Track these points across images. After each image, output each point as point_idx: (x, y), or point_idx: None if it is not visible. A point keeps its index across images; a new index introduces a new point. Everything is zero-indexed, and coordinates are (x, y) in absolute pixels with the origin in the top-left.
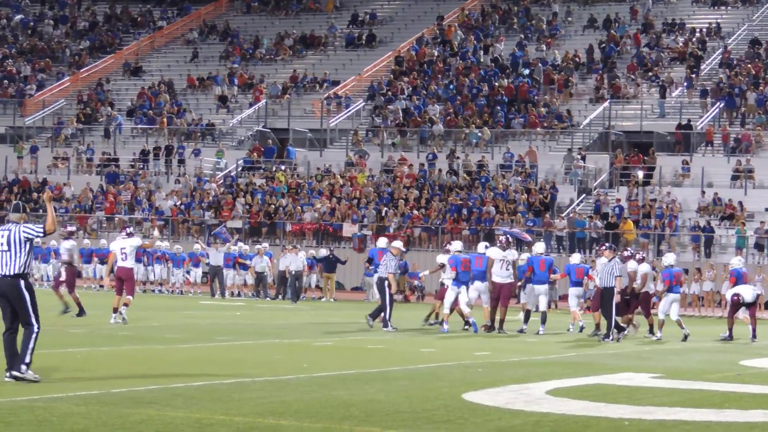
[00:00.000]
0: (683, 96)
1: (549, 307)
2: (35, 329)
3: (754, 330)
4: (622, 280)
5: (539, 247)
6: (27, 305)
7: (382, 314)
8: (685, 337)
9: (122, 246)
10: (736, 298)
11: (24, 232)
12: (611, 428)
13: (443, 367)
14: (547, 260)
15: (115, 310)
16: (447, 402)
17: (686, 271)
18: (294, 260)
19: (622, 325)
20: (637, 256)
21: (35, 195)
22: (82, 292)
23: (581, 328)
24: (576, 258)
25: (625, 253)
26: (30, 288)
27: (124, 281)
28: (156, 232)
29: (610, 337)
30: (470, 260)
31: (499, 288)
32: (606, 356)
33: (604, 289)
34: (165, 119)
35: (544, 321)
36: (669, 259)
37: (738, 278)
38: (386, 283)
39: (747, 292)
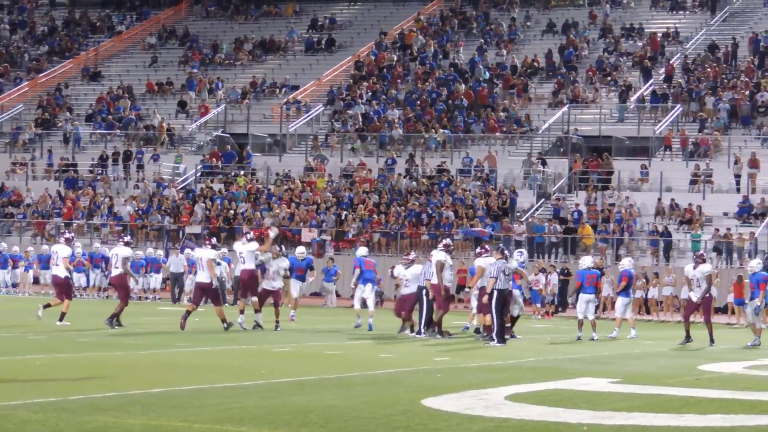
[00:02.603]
0: (641, 101)
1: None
2: None
3: (710, 334)
4: (493, 281)
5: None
6: None
7: (420, 320)
8: (592, 339)
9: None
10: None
11: None
12: None
13: (402, 372)
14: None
15: (242, 312)
16: (406, 408)
17: (645, 276)
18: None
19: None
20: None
21: None
22: (41, 297)
23: (467, 328)
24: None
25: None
26: None
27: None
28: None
29: (495, 340)
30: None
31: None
32: (565, 361)
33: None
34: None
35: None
36: (585, 261)
37: (629, 279)
38: (424, 291)
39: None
